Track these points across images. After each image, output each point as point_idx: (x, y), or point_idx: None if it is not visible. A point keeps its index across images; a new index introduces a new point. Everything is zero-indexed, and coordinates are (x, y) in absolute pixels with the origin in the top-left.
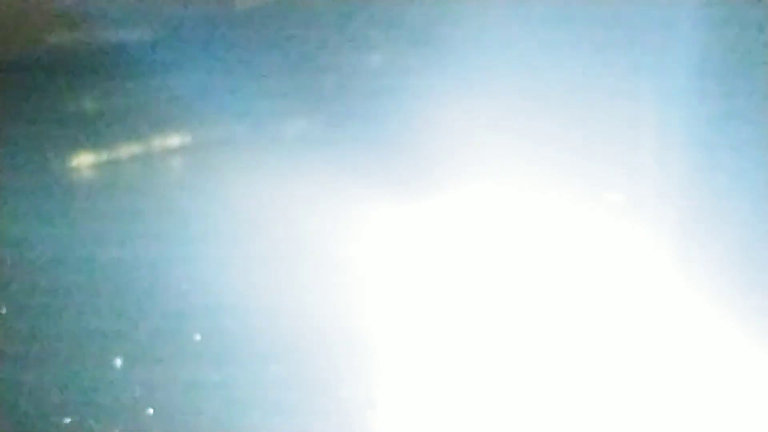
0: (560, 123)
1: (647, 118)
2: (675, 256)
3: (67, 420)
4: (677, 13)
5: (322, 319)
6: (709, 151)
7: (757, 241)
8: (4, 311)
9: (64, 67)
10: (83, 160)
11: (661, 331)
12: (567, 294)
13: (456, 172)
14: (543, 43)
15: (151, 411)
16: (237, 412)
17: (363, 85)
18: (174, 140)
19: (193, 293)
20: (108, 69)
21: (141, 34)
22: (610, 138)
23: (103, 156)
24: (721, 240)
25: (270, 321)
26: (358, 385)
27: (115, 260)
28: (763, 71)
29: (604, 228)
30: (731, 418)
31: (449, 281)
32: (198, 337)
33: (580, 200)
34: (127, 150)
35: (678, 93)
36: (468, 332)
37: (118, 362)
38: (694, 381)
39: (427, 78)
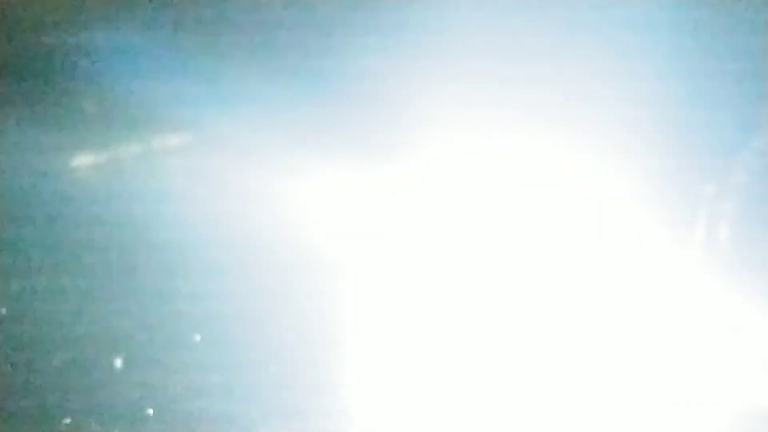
0: (539, 95)
1: (643, 114)
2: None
3: (67, 420)
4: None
5: (321, 320)
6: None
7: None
8: (3, 312)
9: (63, 67)
10: (83, 160)
11: (663, 324)
12: (549, 275)
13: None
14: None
15: (151, 411)
16: (237, 413)
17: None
18: (171, 140)
19: (194, 293)
20: (106, 69)
21: (138, 34)
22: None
23: (103, 156)
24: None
25: (270, 320)
26: (351, 382)
27: (115, 260)
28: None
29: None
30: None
31: (439, 273)
32: (198, 338)
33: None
34: (125, 150)
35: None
36: (453, 316)
37: (118, 363)
38: (697, 379)
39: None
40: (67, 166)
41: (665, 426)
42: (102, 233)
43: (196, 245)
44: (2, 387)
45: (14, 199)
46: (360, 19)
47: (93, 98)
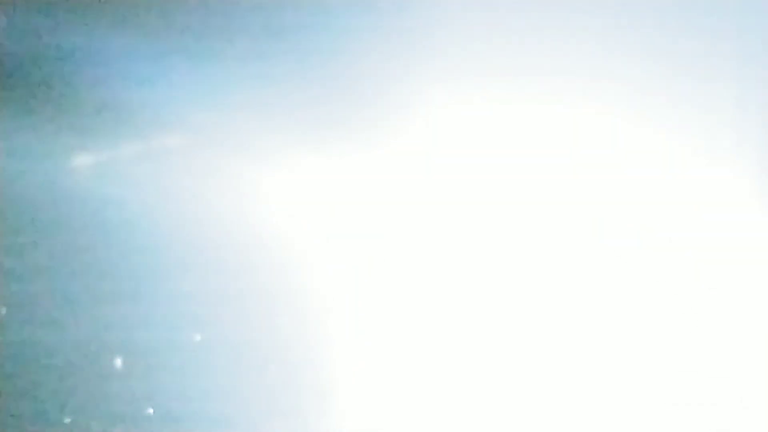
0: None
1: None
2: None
3: (67, 420)
4: None
5: (320, 320)
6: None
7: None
8: (4, 312)
9: (63, 68)
10: (83, 160)
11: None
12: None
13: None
14: None
15: (151, 411)
16: (237, 412)
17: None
18: (171, 140)
19: (194, 293)
20: (106, 70)
21: (138, 35)
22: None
23: (103, 156)
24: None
25: (269, 319)
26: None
27: (115, 259)
28: None
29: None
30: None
31: (437, 273)
32: (198, 338)
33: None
34: (125, 150)
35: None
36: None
37: (118, 363)
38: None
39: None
40: (67, 166)
41: (665, 426)
42: (102, 232)
43: (196, 245)
44: (3, 387)
45: (15, 198)
46: (353, 17)
47: (93, 98)
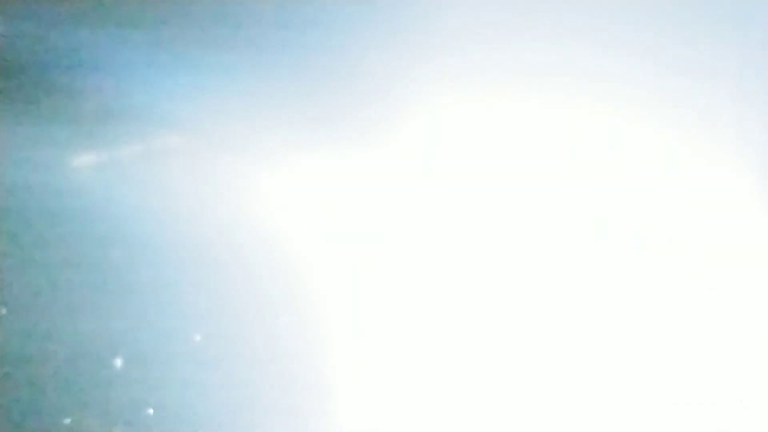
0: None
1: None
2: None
3: (67, 420)
4: None
5: (321, 319)
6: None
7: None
8: (4, 311)
9: (63, 67)
10: (83, 160)
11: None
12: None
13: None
14: None
15: (150, 411)
16: (237, 413)
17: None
18: (171, 140)
19: (194, 293)
20: (106, 69)
21: (138, 35)
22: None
23: (104, 156)
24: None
25: (269, 319)
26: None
27: (115, 259)
28: None
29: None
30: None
31: (437, 274)
32: (198, 338)
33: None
34: (125, 150)
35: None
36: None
37: (118, 362)
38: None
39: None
40: (68, 166)
41: (665, 426)
42: (102, 233)
43: (196, 245)
44: (3, 388)
45: (15, 199)
46: (353, 17)
47: (93, 98)
